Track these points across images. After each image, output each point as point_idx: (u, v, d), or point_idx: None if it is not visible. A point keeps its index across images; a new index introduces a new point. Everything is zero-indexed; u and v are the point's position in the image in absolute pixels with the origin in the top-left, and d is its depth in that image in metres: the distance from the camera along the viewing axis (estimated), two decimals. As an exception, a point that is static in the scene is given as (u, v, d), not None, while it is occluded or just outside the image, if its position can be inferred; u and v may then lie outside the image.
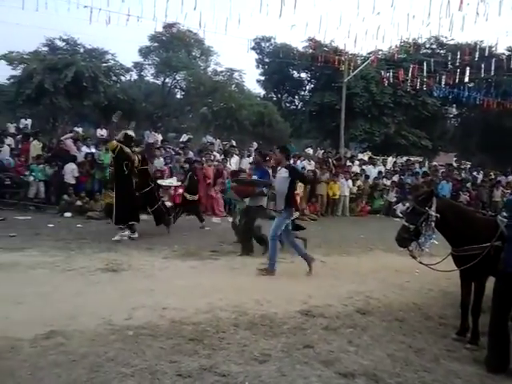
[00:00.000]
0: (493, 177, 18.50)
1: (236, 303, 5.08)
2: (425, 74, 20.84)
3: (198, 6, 12.88)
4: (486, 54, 19.58)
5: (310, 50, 25.12)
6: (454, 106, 30.41)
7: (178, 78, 26.99)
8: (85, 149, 13.06)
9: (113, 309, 4.65)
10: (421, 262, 4.54)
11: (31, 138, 13.09)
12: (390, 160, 19.84)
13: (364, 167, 17.02)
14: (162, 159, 13.48)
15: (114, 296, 5.13)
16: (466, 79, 19.61)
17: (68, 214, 10.95)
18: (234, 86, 26.58)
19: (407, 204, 14.13)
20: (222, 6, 17.15)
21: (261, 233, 7.85)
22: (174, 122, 28.20)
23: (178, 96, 29.14)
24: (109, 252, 7.34)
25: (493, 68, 19.24)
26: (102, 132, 16.88)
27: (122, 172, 8.27)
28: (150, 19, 18.84)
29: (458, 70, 20.38)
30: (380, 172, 16.62)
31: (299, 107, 31.90)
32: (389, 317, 5.07)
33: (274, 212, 7.14)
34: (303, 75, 30.79)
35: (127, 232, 8.35)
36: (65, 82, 19.80)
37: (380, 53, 25.13)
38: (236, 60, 55.78)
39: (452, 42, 26.61)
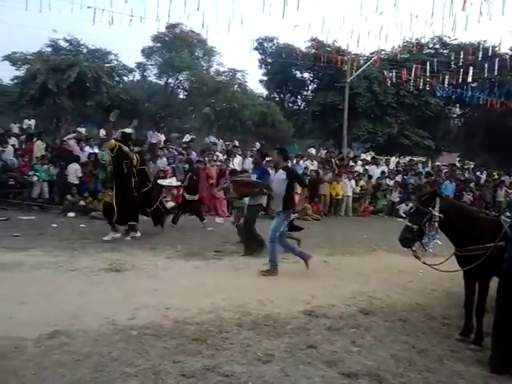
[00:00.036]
0: (496, 177, 18.44)
1: (239, 303, 5.08)
2: (428, 73, 20.80)
3: (201, 6, 12.90)
4: (490, 53, 19.54)
5: (313, 50, 25.10)
6: (457, 105, 30.32)
7: (181, 79, 27.01)
8: (88, 149, 13.09)
9: (116, 309, 4.66)
10: (424, 263, 4.53)
11: (35, 139, 13.14)
12: (393, 160, 19.79)
13: (367, 167, 17.00)
14: (164, 159, 13.50)
15: (118, 296, 5.15)
16: (470, 79, 19.58)
17: (71, 214, 10.98)
18: (236, 86, 26.57)
19: (410, 204, 14.11)
20: (224, 6, 17.21)
21: (257, 234, 7.84)
22: (176, 122, 28.22)
23: (181, 96, 29.18)
24: (112, 252, 7.35)
25: (496, 68, 19.19)
26: (105, 132, 16.89)
27: (121, 171, 8.25)
28: (152, 20, 18.92)
29: (462, 70, 20.33)
30: (383, 172, 16.60)
31: (302, 107, 31.88)
32: (392, 317, 5.06)
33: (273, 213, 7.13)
34: (306, 75, 30.79)
35: (118, 234, 8.27)
36: (68, 83, 19.85)
37: (383, 53, 25.07)
38: (239, 60, 55.68)
39: (455, 42, 26.55)
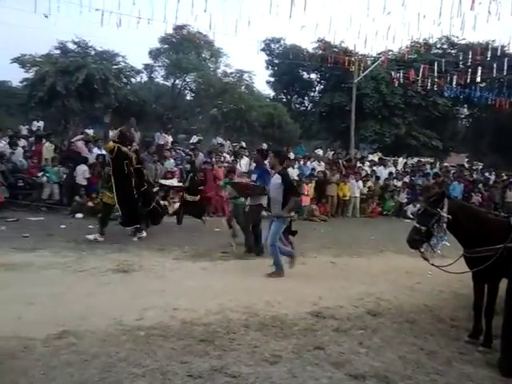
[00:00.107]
0: (505, 178, 18.26)
1: (246, 304, 5.09)
2: (436, 74, 20.69)
3: (208, 7, 12.92)
4: (498, 53, 19.39)
5: (320, 51, 25.08)
6: (466, 106, 30.14)
7: (188, 80, 27.09)
8: (96, 150, 13.15)
9: (124, 309, 4.69)
10: (433, 264, 4.50)
11: (44, 140, 13.23)
12: (401, 161, 19.71)
13: (374, 168, 16.93)
14: (172, 160, 13.53)
15: (125, 297, 5.17)
16: (478, 79, 19.44)
17: (79, 215, 11.03)
18: (243, 87, 26.62)
19: (418, 205, 14.05)
20: (231, 7, 17.24)
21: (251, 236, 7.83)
22: (184, 123, 28.30)
23: (188, 97, 29.27)
24: (120, 253, 7.38)
25: (505, 67, 19.04)
26: (113, 133, 16.96)
27: (122, 171, 8.21)
28: (160, 21, 18.93)
29: (470, 70, 20.21)
30: (391, 173, 16.53)
31: (309, 108, 31.87)
32: (400, 318, 5.04)
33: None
34: (313, 76, 30.79)
35: (102, 238, 8.17)
36: (76, 85, 20.00)
37: (390, 53, 25.01)
38: (246, 61, 55.84)
39: (463, 42, 26.41)
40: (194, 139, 18.80)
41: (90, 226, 9.81)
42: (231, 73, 26.95)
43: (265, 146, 19.56)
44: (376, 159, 19.17)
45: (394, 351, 4.12)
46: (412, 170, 17.79)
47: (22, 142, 13.48)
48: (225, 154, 15.15)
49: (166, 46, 26.64)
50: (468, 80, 20.19)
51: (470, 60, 19.95)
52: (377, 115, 26.38)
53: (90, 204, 11.36)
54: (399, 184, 15.91)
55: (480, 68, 19.35)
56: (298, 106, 32.65)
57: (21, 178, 11.65)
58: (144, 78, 27.29)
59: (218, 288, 5.70)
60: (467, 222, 4.34)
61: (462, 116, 32.48)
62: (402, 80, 22.31)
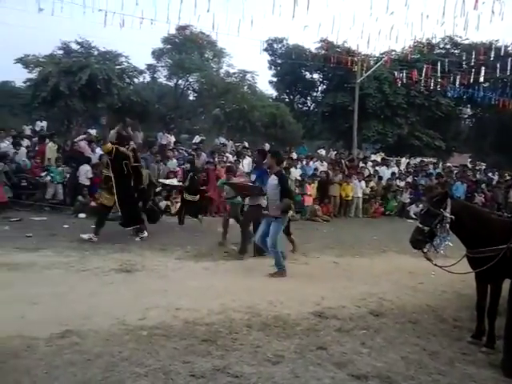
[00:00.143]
0: (508, 178, 18.19)
1: (249, 304, 5.09)
2: (439, 74, 20.64)
3: (211, 7, 12.91)
4: (502, 53, 19.32)
5: (323, 51, 25.05)
6: (469, 106, 30.06)
7: (191, 80, 27.08)
8: (99, 150, 13.15)
9: (127, 309, 4.70)
10: (436, 265, 4.50)
11: (47, 140, 13.26)
12: (404, 161, 19.69)
13: (377, 168, 16.92)
14: (175, 160, 13.56)
15: (128, 296, 5.19)
16: (481, 79, 19.37)
17: (82, 215, 11.05)
18: (246, 87, 26.58)
19: (421, 205, 14.03)
20: (234, 7, 17.23)
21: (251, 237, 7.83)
22: (186, 123, 28.31)
23: (191, 98, 29.25)
24: (122, 253, 7.40)
25: (508, 67, 18.96)
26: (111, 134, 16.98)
27: (122, 171, 8.22)
28: (163, 22, 18.94)
29: (473, 70, 20.14)
30: (393, 173, 16.51)
31: (311, 108, 31.83)
32: (402, 319, 5.04)
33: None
34: (315, 76, 30.74)
35: (96, 238, 8.14)
36: (79, 85, 20.02)
37: (393, 53, 24.96)
38: (248, 61, 55.95)
39: (467, 42, 26.31)
40: (197, 139, 18.82)
41: (93, 226, 9.83)
42: (234, 73, 26.93)
43: (267, 146, 19.59)
44: (379, 159, 19.15)
45: (397, 351, 4.12)
46: (415, 170, 17.77)
47: (26, 142, 13.53)
48: (227, 154, 15.15)
49: (169, 46, 26.63)
50: (471, 80, 20.10)
51: (473, 60, 19.87)
52: (379, 115, 26.33)
53: (93, 204, 11.38)
54: (402, 184, 15.89)
55: (483, 68, 19.26)
56: (300, 105, 32.62)
57: (24, 177, 11.68)
58: (147, 78, 27.30)
59: (220, 288, 5.71)
60: (470, 222, 4.33)
61: (465, 116, 32.39)
62: (404, 80, 22.24)
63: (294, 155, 16.63)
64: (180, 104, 27.25)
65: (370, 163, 17.75)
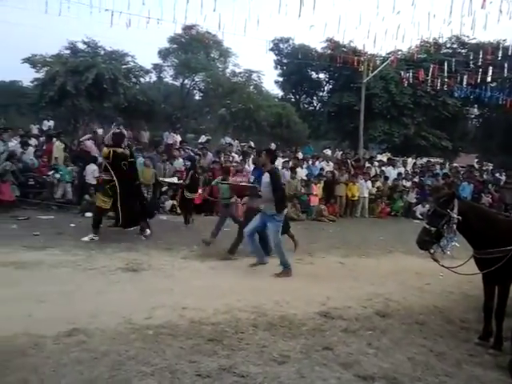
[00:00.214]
0: (515, 178, 18.07)
1: (255, 304, 5.10)
2: (445, 74, 20.53)
3: (218, 7, 12.92)
4: (510, 52, 19.15)
5: (329, 51, 24.99)
6: (476, 106, 29.88)
7: (197, 80, 27.10)
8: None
9: (133, 308, 4.72)
10: (443, 265, 4.48)
11: (54, 139, 13.33)
12: (410, 161, 19.61)
13: (383, 168, 16.86)
14: (181, 160, 13.57)
15: (134, 295, 5.21)
16: (489, 79, 19.24)
17: (89, 214, 11.03)
18: (252, 87, 26.57)
19: (427, 205, 13.97)
20: (241, 7, 17.24)
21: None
22: (192, 123, 28.34)
23: (197, 97, 29.28)
24: (129, 252, 7.42)
25: (516, 67, 18.86)
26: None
27: (122, 172, 8.26)
28: (169, 21, 18.97)
29: (480, 70, 20.01)
30: (400, 173, 16.44)
31: (317, 108, 31.78)
32: (409, 320, 5.02)
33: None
34: (321, 76, 30.68)
35: (97, 237, 8.17)
36: (86, 84, 20.10)
37: (399, 53, 24.85)
38: (254, 61, 55.97)
39: (474, 41, 26.14)
40: (203, 139, 18.85)
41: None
42: (240, 72, 26.92)
43: (273, 145, 19.58)
44: (385, 159, 19.09)
45: (403, 352, 4.11)
46: (421, 171, 17.68)
47: (33, 141, 13.61)
48: (233, 154, 15.16)
49: (175, 45, 26.66)
50: (478, 80, 19.98)
51: (480, 60, 19.75)
52: (386, 115, 26.24)
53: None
54: (408, 184, 15.83)
55: (491, 68, 19.13)
56: (306, 105, 32.57)
57: (31, 176, 11.76)
58: (153, 77, 27.35)
59: (226, 287, 5.72)
60: (477, 222, 4.31)
61: (472, 116, 32.19)
62: (411, 80, 22.12)
63: (300, 155, 16.61)
64: (186, 104, 27.29)
65: (376, 163, 17.69)
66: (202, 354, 3.76)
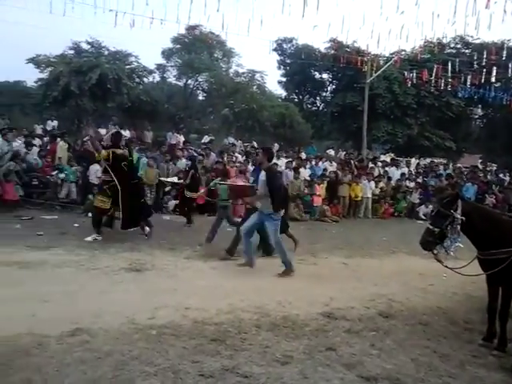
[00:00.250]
0: (520, 179, 18.02)
1: (258, 304, 5.10)
2: (449, 74, 20.48)
3: (221, 7, 12.94)
4: (514, 52, 19.15)
5: (332, 51, 24.99)
6: (480, 106, 29.80)
7: (200, 80, 27.15)
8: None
9: (136, 308, 4.72)
10: (446, 266, 4.47)
11: (58, 139, 13.37)
12: (413, 162, 19.57)
13: (387, 169, 16.84)
14: (184, 160, 13.58)
15: (138, 295, 5.21)
16: (493, 79, 19.19)
17: (92, 214, 11.12)
18: (255, 87, 26.59)
19: (430, 206, 13.93)
20: (244, 7, 17.23)
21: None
22: (195, 123, 28.38)
23: (200, 97, 29.33)
24: (132, 252, 7.43)
25: (521, 67, 18.78)
26: (126, 133, 17.12)
27: (123, 173, 8.25)
28: (173, 22, 19.03)
29: (484, 70, 19.96)
30: (403, 174, 16.41)
31: (321, 108, 31.78)
32: (412, 320, 5.01)
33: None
34: (325, 76, 30.71)
35: (100, 237, 8.18)
36: (89, 84, 20.18)
37: (403, 53, 24.83)
38: (258, 61, 55.97)
39: (478, 41, 26.08)
40: (206, 139, 18.86)
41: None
42: (243, 73, 26.96)
43: (276, 146, 19.56)
44: (388, 160, 19.05)
45: (407, 353, 4.10)
46: (425, 171, 17.64)
47: (37, 141, 13.64)
48: (236, 154, 15.18)
49: (179, 46, 26.72)
50: (482, 80, 19.94)
51: (484, 60, 19.70)
52: (389, 115, 26.22)
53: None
54: (412, 185, 15.80)
55: (495, 68, 19.08)
56: (309, 106, 32.56)
57: (35, 176, 11.79)
58: (156, 77, 27.43)
59: (229, 288, 5.72)
60: (481, 223, 4.30)
61: (476, 116, 32.11)
62: (414, 80, 22.12)
63: (303, 155, 16.60)
64: (189, 104, 27.34)
65: (379, 164, 17.66)
66: (205, 354, 3.76)
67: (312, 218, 13.16)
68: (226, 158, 13.74)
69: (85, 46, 22.79)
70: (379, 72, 22.53)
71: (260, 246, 7.83)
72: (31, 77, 23.75)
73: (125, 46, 23.95)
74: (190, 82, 27.40)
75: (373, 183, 14.91)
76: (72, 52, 22.53)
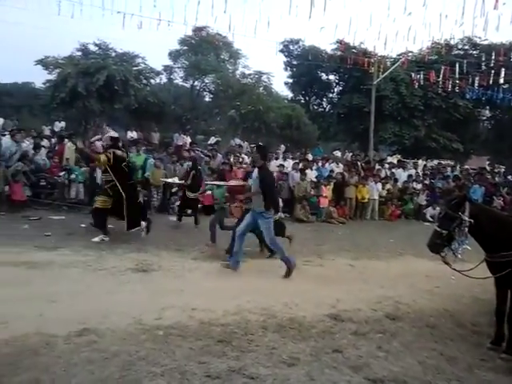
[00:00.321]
0: (528, 181, 17.89)
1: (264, 306, 5.09)
2: (457, 75, 20.37)
3: (228, 9, 12.98)
4: (523, 54, 19.02)
5: (339, 52, 24.95)
6: (487, 108, 29.62)
7: (207, 81, 27.22)
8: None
9: (143, 308, 4.73)
10: (454, 269, 4.44)
11: (66, 140, 13.44)
12: (421, 163, 19.49)
13: (393, 170, 16.77)
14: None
15: (145, 296, 5.23)
16: (501, 80, 19.06)
17: (99, 215, 11.16)
18: (262, 88, 26.61)
19: (437, 208, 13.87)
20: (251, 8, 17.28)
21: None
22: (202, 124, 28.44)
23: (207, 99, 29.41)
24: (139, 252, 7.45)
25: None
26: (133, 134, 17.22)
27: (124, 174, 8.30)
28: (180, 23, 19.10)
29: (492, 71, 19.83)
30: (410, 175, 16.34)
31: (327, 110, 31.73)
32: (419, 323, 4.99)
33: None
34: (331, 77, 30.65)
35: (107, 238, 8.18)
36: (97, 86, 20.28)
37: (410, 54, 24.72)
38: (264, 63, 55.99)
39: (486, 43, 25.91)
40: (212, 140, 18.91)
41: (110, 226, 9.93)
42: (250, 74, 27.00)
43: (283, 147, 19.56)
44: (395, 161, 18.99)
45: (414, 356, 4.08)
46: (432, 173, 17.56)
47: (45, 142, 13.73)
48: (243, 155, 15.19)
49: (186, 47, 26.82)
50: (490, 81, 19.81)
51: (492, 61, 19.58)
52: (396, 117, 26.13)
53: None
54: (419, 187, 15.72)
55: (503, 69, 18.95)
56: (316, 107, 32.51)
57: (43, 177, 11.86)
58: (163, 79, 27.54)
59: (235, 289, 5.72)
60: (489, 225, 4.27)
61: (484, 118, 31.89)
62: (422, 81, 22.02)
63: (310, 157, 16.58)
64: (196, 105, 27.41)
65: (386, 165, 17.60)
66: (212, 355, 3.77)
67: (318, 219, 13.13)
68: (232, 160, 13.75)
69: (92, 48, 22.95)
70: (386, 73, 22.44)
71: (262, 245, 7.85)
72: (40, 78, 23.91)
73: (132, 47, 24.10)
74: (196, 83, 27.49)
75: (380, 185, 14.85)
76: (80, 53, 22.69)
